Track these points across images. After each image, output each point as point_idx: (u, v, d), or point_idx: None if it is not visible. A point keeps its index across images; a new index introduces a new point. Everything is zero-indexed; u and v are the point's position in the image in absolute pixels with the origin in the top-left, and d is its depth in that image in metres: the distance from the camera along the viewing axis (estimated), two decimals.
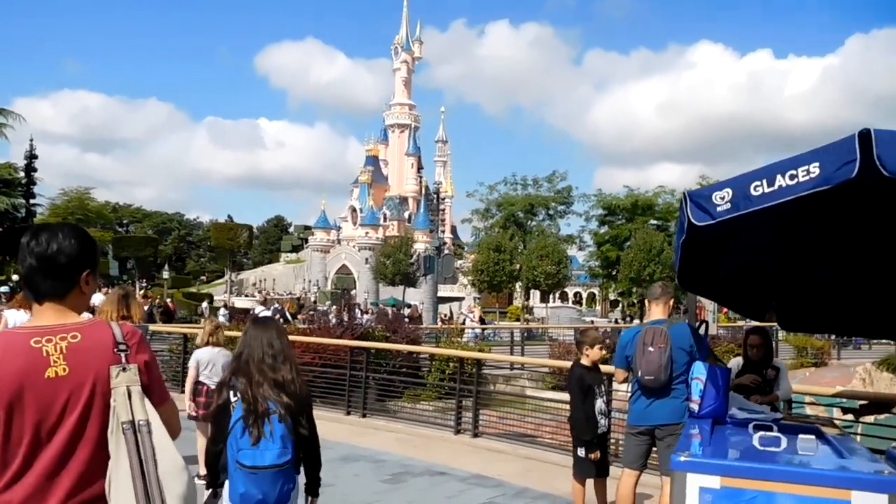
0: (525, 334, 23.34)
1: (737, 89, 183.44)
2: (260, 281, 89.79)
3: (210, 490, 3.43)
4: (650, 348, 4.64)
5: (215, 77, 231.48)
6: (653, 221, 46.46)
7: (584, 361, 5.44)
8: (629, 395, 5.01)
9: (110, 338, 1.94)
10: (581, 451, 5.29)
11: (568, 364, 12.41)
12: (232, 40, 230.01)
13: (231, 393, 3.33)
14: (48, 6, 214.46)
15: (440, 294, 54.73)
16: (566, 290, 53.44)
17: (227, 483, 3.25)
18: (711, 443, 3.81)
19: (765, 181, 2.89)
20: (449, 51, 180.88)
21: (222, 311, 30.70)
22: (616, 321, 36.38)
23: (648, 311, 5.05)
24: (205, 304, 38.56)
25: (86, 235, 2.03)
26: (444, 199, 35.56)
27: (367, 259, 71.25)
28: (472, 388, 8.84)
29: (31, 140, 29.33)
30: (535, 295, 56.99)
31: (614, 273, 45.83)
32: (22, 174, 29.01)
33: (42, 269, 1.93)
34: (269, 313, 20.15)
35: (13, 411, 1.82)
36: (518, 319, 44.62)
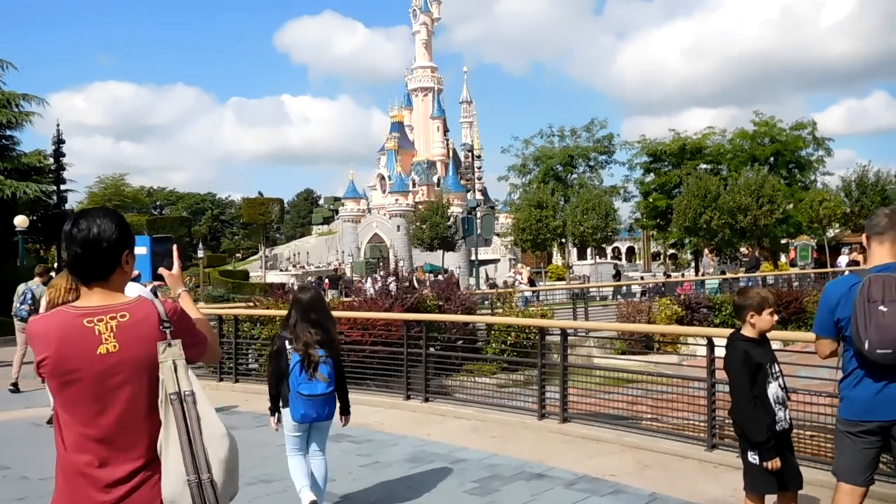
0: (580, 294, 21.75)
1: (769, 25, 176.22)
2: (294, 255, 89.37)
3: (274, 415, 4.77)
4: (882, 307, 3.10)
5: (237, 57, 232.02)
6: (703, 165, 43.67)
7: (748, 332, 3.93)
8: (840, 374, 3.51)
9: (156, 316, 2.06)
10: (753, 458, 3.82)
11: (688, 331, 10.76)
12: (250, 20, 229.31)
13: (286, 343, 4.60)
14: (76, 3, 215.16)
15: (474, 257, 53.23)
16: (603, 245, 51.28)
17: (286, 409, 4.61)
18: None
19: None
20: (467, 10, 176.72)
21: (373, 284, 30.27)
22: (667, 275, 34.32)
23: (870, 254, 3.47)
24: (293, 281, 37.98)
25: (121, 218, 2.13)
26: (478, 156, 33.52)
27: (398, 226, 70.02)
28: (559, 363, 7.40)
29: (58, 125, 28.23)
30: (572, 252, 55.22)
31: (663, 223, 43.53)
32: (51, 161, 28.09)
33: (87, 254, 2.03)
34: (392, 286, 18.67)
35: (71, 384, 1.97)
36: (560, 278, 43.01)
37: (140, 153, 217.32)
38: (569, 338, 7.91)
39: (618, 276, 37.04)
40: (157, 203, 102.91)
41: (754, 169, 37.68)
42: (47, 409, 8.93)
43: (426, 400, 8.60)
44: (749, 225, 34.53)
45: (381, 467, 6.08)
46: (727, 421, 6.35)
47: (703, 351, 12.62)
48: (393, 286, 11.53)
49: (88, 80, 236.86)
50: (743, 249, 38.30)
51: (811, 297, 15.31)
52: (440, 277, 27.04)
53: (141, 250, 2.35)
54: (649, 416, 7.41)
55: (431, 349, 9.38)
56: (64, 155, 28.01)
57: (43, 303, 8.39)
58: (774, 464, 3.72)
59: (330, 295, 24.49)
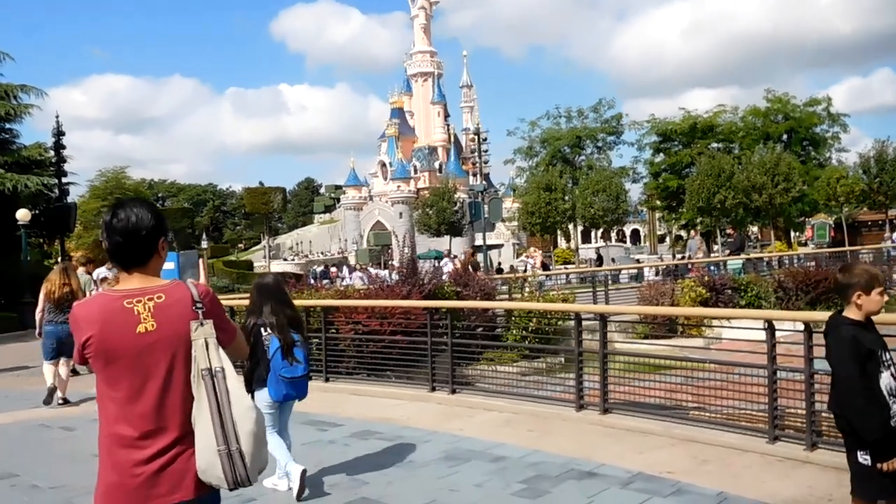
0: (594, 277, 21.24)
1: (769, 3, 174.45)
2: (296, 244, 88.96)
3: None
4: None
5: (233, 47, 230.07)
6: (714, 144, 42.82)
7: (853, 314, 3.43)
8: None
9: (189, 297, 2.22)
10: (864, 458, 3.35)
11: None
12: (245, 9, 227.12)
13: (262, 330, 4.93)
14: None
15: (478, 242, 52.74)
16: (613, 227, 50.41)
17: (262, 390, 4.95)
18: None
19: None
20: None
21: (358, 273, 29.57)
22: (681, 257, 33.60)
23: None
24: (320, 268, 36.76)
25: (154, 207, 2.32)
26: (485, 139, 32.78)
27: (401, 213, 69.45)
28: (597, 350, 6.93)
29: (58, 117, 27.32)
30: (578, 236, 54.70)
31: (675, 204, 42.79)
32: (52, 153, 27.45)
33: (127, 242, 2.21)
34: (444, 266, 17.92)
35: (112, 361, 2.13)
36: (567, 262, 42.54)
37: (139, 145, 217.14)
38: (584, 322, 7.46)
39: (600, 261, 36.36)
40: (159, 195, 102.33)
41: (768, 147, 36.89)
42: (54, 408, 8.53)
43: (453, 391, 8.15)
44: (764, 204, 33.90)
45: (417, 467, 5.64)
46: (788, 410, 5.92)
47: (729, 333, 12.10)
48: (455, 266, 11.09)
49: (85, 73, 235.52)
50: (729, 231, 37.70)
51: None
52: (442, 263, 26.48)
53: (169, 265, 2.37)
54: (695, 405, 6.95)
55: (455, 338, 8.91)
56: (64, 147, 27.28)
57: (41, 297, 8.81)
58: (891, 465, 3.25)
59: (339, 283, 23.99)
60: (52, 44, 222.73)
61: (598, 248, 45.48)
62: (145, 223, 2.21)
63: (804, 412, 5.51)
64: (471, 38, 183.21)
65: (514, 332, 11.47)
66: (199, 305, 2.21)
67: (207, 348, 2.16)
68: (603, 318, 7.02)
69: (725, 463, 5.40)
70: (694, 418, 6.52)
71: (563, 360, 10.76)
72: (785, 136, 42.70)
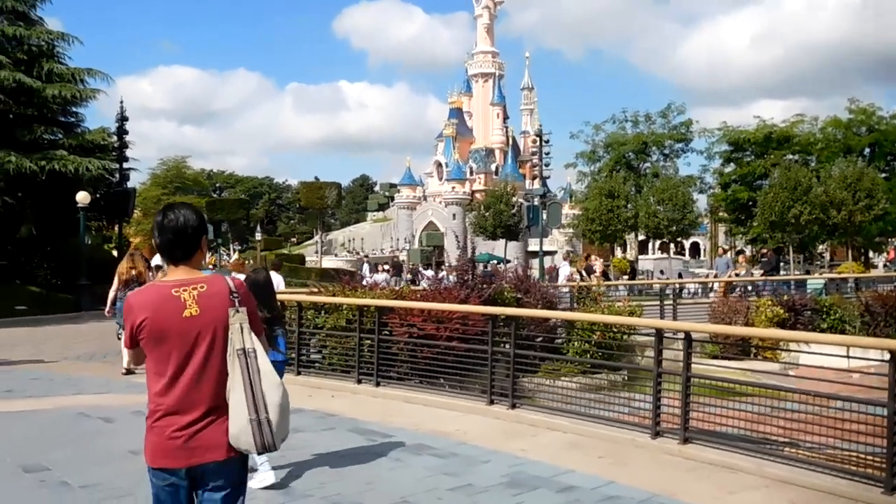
0: (666, 291, 20.14)
1: (847, 11, 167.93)
2: (348, 241, 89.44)
3: None
4: None
5: (296, 43, 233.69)
6: (789, 156, 40.56)
7: None
8: None
9: (226, 288, 2.60)
10: None
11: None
12: (310, 6, 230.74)
13: None
14: None
15: (532, 248, 51.93)
16: (679, 239, 48.21)
17: None
18: None
19: None
20: None
21: (381, 276, 27.89)
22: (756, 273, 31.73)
23: None
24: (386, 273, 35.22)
25: (198, 210, 2.74)
26: (547, 141, 31.77)
27: (454, 214, 69.02)
28: (681, 373, 6.20)
29: (122, 102, 27.77)
30: (635, 245, 53.23)
31: (743, 217, 40.93)
32: (115, 138, 27.92)
33: (176, 240, 2.59)
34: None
35: (162, 341, 2.49)
36: (625, 273, 41.26)
37: (202, 137, 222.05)
38: (649, 339, 6.75)
39: (633, 274, 34.71)
40: (217, 185, 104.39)
41: (848, 160, 34.82)
42: (97, 396, 8.32)
43: (513, 406, 7.54)
44: (843, 221, 32.04)
45: (477, 493, 5.05)
46: None
47: (808, 359, 10.99)
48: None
49: (153, 64, 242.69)
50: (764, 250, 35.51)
51: None
52: (488, 268, 25.31)
53: None
54: (785, 439, 6.15)
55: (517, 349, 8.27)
56: (126, 132, 27.68)
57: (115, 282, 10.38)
58: None
59: (394, 282, 23.34)
60: (125, 35, 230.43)
61: (631, 262, 43.34)
62: (191, 222, 2.58)
63: None
64: (533, 40, 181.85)
65: (576, 344, 10.77)
66: (235, 295, 2.57)
67: (242, 332, 2.51)
68: (688, 337, 6.30)
69: None
70: (788, 456, 5.74)
71: (625, 376, 10.02)
72: (867, 150, 40.29)
